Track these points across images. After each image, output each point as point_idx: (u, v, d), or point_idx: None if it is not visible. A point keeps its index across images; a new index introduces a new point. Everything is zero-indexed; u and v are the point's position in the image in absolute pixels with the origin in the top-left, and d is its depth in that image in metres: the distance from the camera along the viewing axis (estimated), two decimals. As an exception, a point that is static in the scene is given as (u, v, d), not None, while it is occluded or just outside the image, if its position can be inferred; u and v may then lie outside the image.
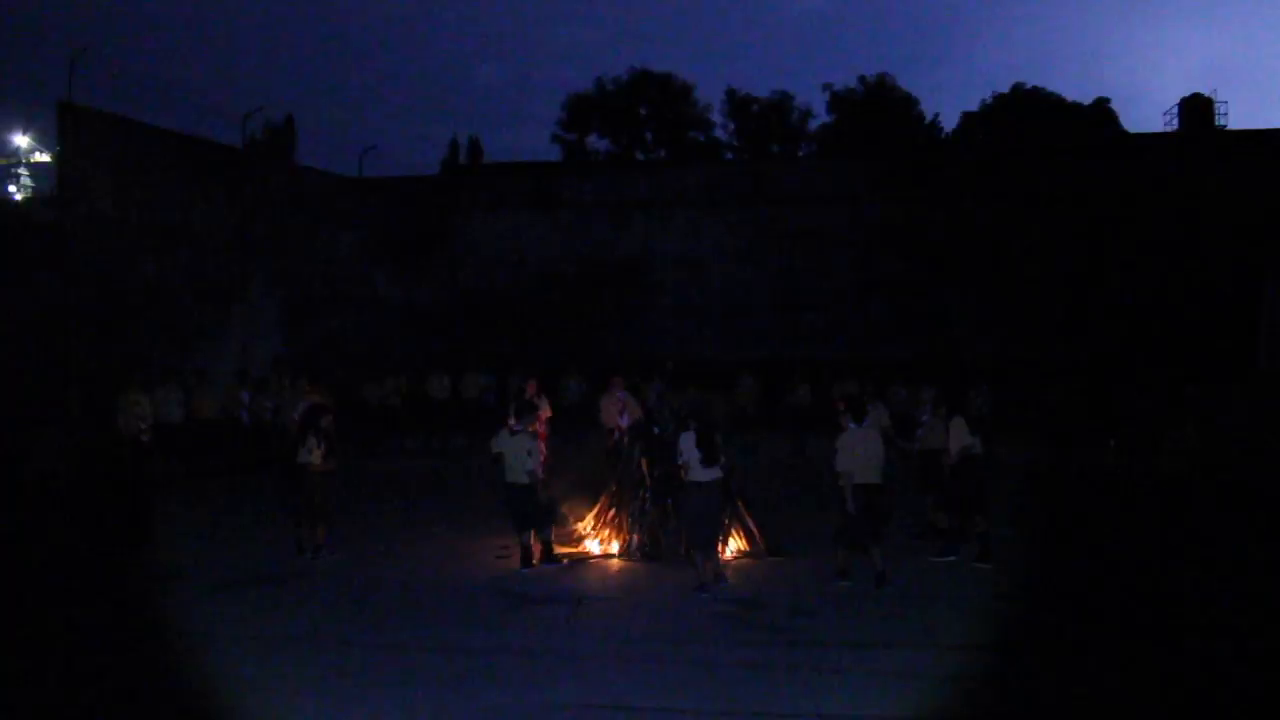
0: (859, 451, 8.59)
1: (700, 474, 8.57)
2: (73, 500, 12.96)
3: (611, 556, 9.96)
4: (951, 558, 9.57)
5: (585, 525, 10.50)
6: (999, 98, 38.84)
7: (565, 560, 9.70)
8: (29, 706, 6.20)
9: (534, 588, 8.82)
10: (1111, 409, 17.08)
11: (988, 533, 9.59)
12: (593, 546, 10.17)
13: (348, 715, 5.95)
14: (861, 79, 40.37)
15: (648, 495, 10.02)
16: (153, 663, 6.90)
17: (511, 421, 9.77)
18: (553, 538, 9.75)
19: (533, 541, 9.56)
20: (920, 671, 6.58)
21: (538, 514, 9.55)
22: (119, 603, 8.49)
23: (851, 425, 8.75)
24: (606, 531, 10.21)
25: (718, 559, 9.01)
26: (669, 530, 9.82)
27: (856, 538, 8.62)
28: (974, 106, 39.50)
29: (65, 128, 18.21)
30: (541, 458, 10.08)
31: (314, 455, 9.91)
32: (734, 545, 9.98)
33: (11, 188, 33.84)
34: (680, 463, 8.67)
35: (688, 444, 8.59)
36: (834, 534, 8.76)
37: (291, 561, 9.81)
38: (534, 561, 9.47)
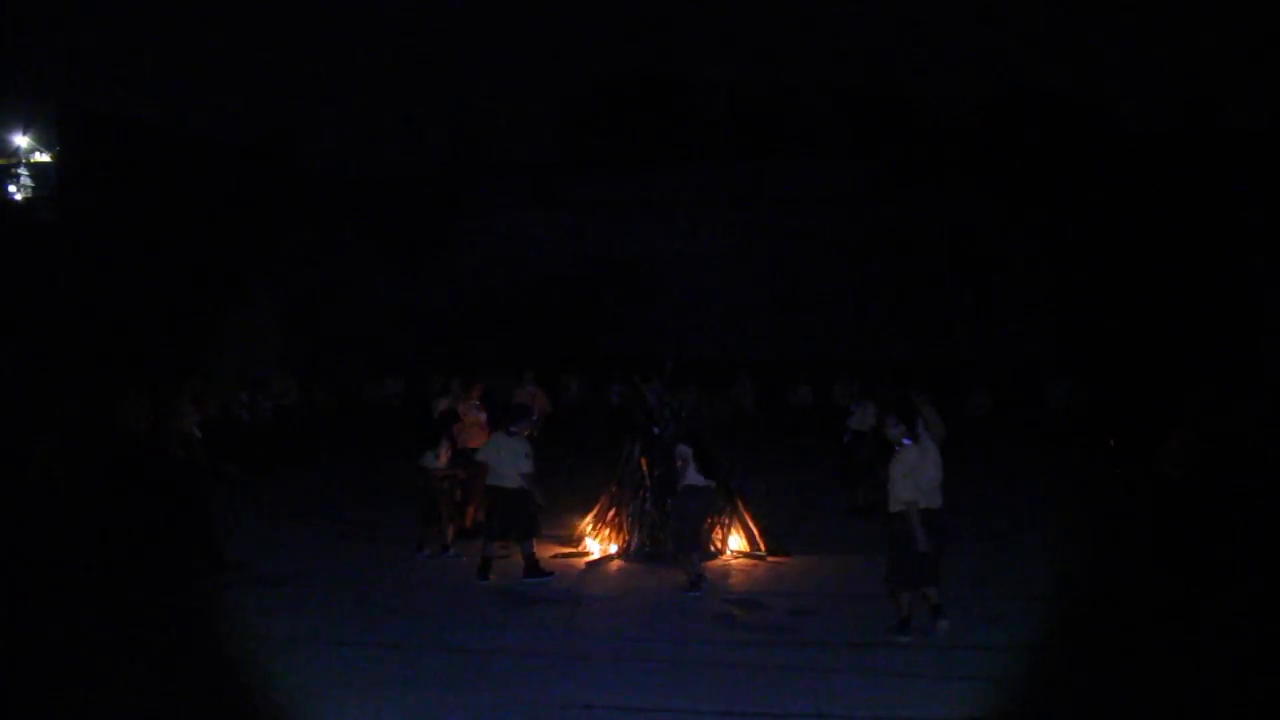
0: (924, 473, 7.20)
1: (697, 479, 8.77)
2: (73, 501, 12.95)
3: (611, 557, 9.96)
4: None
5: (585, 525, 10.49)
6: (998, 98, 38.78)
7: (554, 574, 9.17)
8: (29, 706, 6.20)
9: (534, 588, 8.82)
10: (1111, 409, 17.09)
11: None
12: (593, 546, 10.17)
13: (348, 715, 5.95)
14: (861, 78, 40.40)
15: (648, 495, 10.02)
16: (152, 663, 6.90)
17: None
18: (535, 550, 9.21)
19: (492, 552, 9.11)
20: (920, 671, 6.58)
21: (522, 523, 9.06)
22: (118, 604, 8.48)
23: (907, 441, 7.34)
24: (606, 531, 10.20)
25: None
26: (669, 530, 9.82)
27: (919, 577, 7.23)
28: (973, 106, 39.47)
29: (65, 128, 18.21)
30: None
31: (440, 459, 10.01)
32: (734, 545, 9.99)
33: (11, 188, 33.81)
34: (678, 467, 8.88)
35: (686, 454, 8.83)
36: (887, 576, 7.38)
37: (291, 562, 9.82)
38: (487, 574, 9.02)
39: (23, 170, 34.57)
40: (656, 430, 10.12)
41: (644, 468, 10.08)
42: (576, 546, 10.21)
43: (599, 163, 37.19)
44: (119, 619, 7.98)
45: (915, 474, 7.17)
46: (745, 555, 9.90)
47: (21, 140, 35.41)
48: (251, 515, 12.55)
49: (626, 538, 10.05)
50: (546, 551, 10.16)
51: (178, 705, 6.18)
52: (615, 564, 9.78)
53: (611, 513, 10.25)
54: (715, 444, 9.06)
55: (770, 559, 9.81)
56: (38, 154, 34.65)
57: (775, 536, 10.12)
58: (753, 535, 10.04)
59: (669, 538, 9.77)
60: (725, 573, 9.39)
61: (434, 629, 7.59)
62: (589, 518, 10.50)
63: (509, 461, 9.03)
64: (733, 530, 10.05)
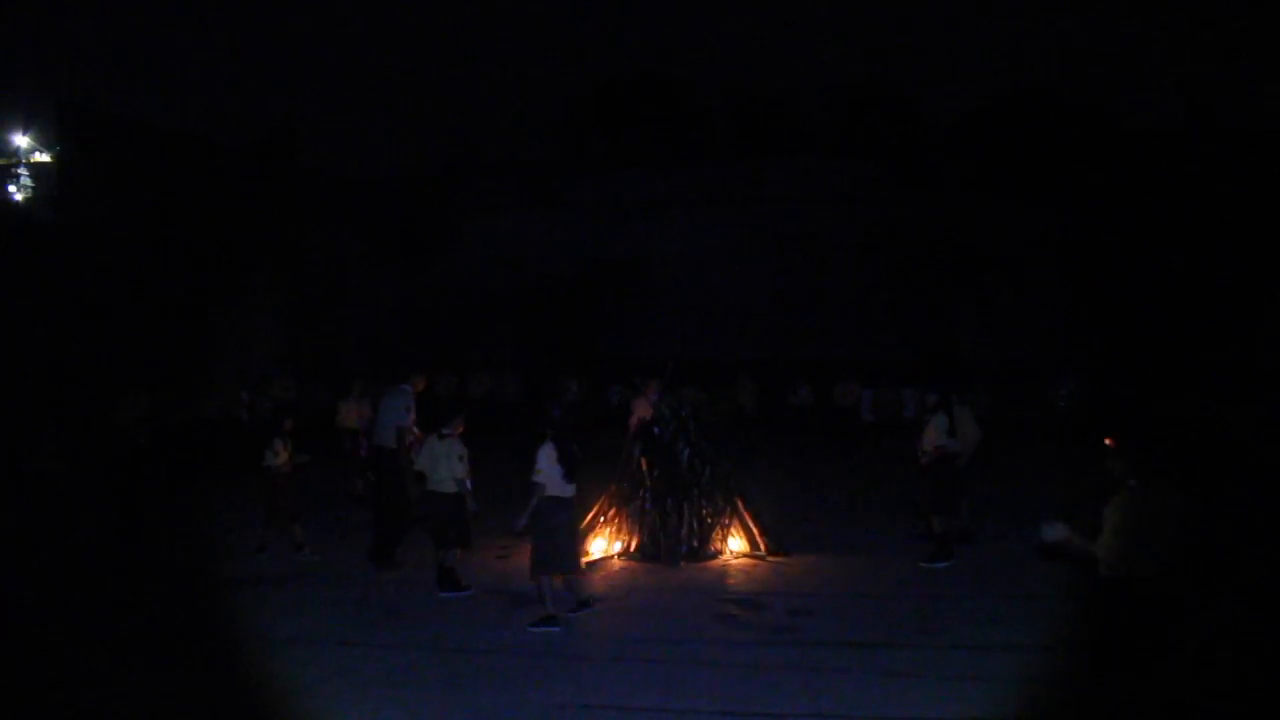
0: (1146, 528, 5.31)
1: (560, 489, 7.72)
2: (72, 500, 12.96)
3: (612, 557, 9.96)
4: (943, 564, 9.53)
5: (585, 525, 10.48)
6: (999, 98, 38.82)
7: (471, 589, 8.58)
8: (28, 706, 6.20)
9: (534, 588, 8.80)
10: (1110, 409, 17.09)
11: (946, 534, 9.63)
12: (593, 546, 10.17)
13: (348, 715, 5.95)
14: (861, 78, 40.45)
15: (648, 495, 10.02)
16: (151, 664, 6.90)
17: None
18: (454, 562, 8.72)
19: (449, 560, 8.68)
20: (921, 671, 6.58)
21: (457, 529, 8.59)
22: (118, 604, 8.49)
23: (1133, 484, 5.44)
24: (607, 531, 10.20)
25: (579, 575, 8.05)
26: (669, 530, 9.82)
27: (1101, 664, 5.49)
28: (973, 106, 39.53)
29: (65, 128, 18.21)
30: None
31: (279, 457, 10.09)
32: (734, 545, 9.99)
33: (11, 188, 33.81)
34: (535, 480, 7.66)
35: (547, 459, 7.65)
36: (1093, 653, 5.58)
37: (291, 562, 9.81)
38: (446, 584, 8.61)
39: (23, 170, 34.56)
40: (656, 430, 10.13)
41: (644, 468, 10.08)
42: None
43: (599, 163, 37.27)
44: (118, 619, 7.98)
45: (1133, 526, 5.30)
46: (745, 555, 9.90)
47: (21, 140, 35.39)
48: (252, 516, 12.56)
49: (626, 538, 10.05)
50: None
51: (177, 705, 6.18)
52: (615, 564, 9.78)
53: (611, 512, 10.25)
54: (577, 440, 7.96)
55: (770, 559, 9.81)
56: (38, 154, 34.63)
57: (775, 536, 10.12)
58: (753, 535, 10.04)
59: (669, 538, 9.76)
60: (725, 573, 9.39)
61: (434, 629, 7.59)
62: (589, 518, 10.49)
63: (444, 466, 8.55)
64: (733, 530, 10.05)
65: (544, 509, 7.68)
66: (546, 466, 7.65)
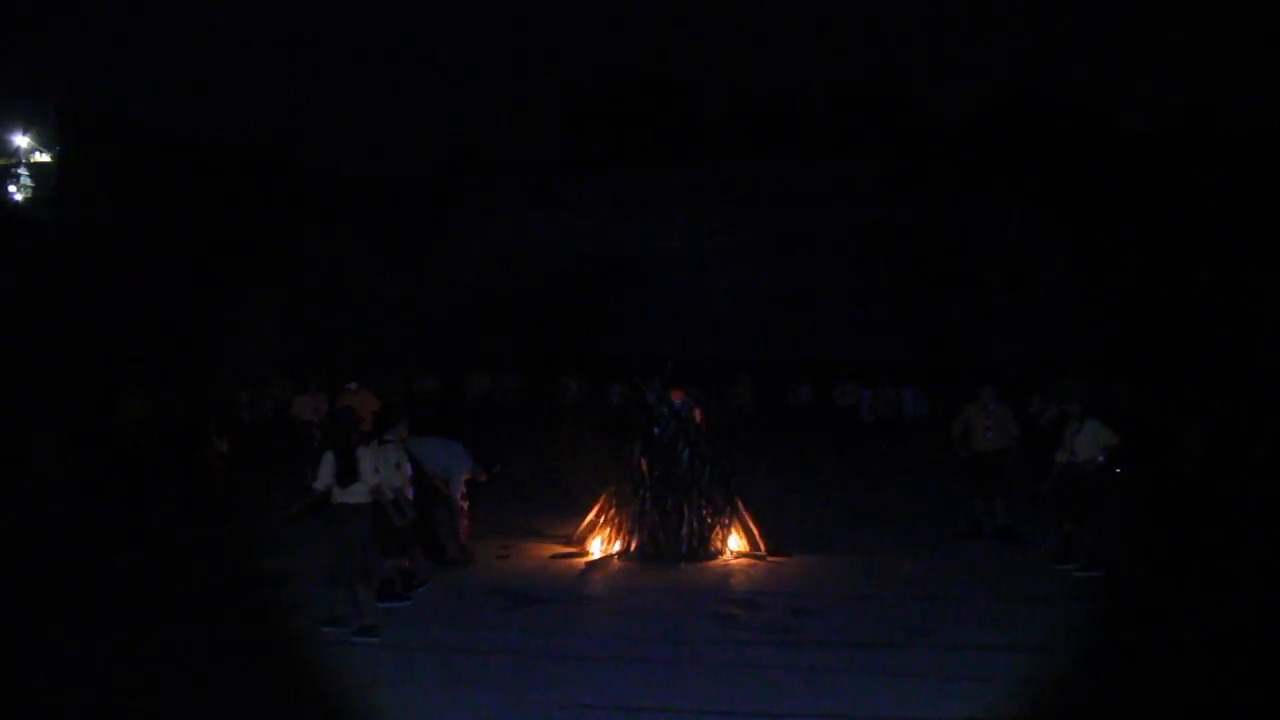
0: None
1: (341, 495, 7.34)
2: (72, 500, 12.95)
3: (611, 557, 9.96)
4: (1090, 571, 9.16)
5: (585, 525, 10.49)
6: (1000, 97, 38.82)
7: (411, 601, 8.18)
8: (26, 705, 6.20)
9: (534, 588, 8.82)
10: (1113, 408, 17.07)
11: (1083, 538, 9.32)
12: (593, 546, 10.17)
13: (348, 715, 5.95)
14: (861, 78, 40.41)
15: (648, 495, 10.02)
16: (151, 664, 6.90)
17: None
18: (391, 574, 8.15)
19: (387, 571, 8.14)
20: (921, 671, 6.57)
21: (392, 538, 7.96)
22: (117, 605, 8.48)
23: None
24: (607, 531, 10.21)
25: (368, 593, 7.40)
26: (669, 530, 9.82)
27: None
28: (973, 107, 39.51)
29: (65, 128, 18.22)
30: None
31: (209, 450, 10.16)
32: (734, 545, 10.00)
33: (11, 188, 33.81)
34: (318, 487, 7.38)
35: (326, 465, 7.32)
36: None
37: (291, 562, 9.80)
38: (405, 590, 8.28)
39: (23, 170, 34.55)
40: (656, 430, 10.13)
41: (644, 468, 10.08)
42: (577, 546, 10.21)
43: (599, 163, 37.24)
44: (118, 620, 7.98)
45: None
46: (745, 555, 9.90)
47: (21, 140, 35.37)
48: (252, 515, 12.55)
49: (626, 538, 10.04)
50: (546, 551, 10.18)
51: (177, 705, 6.18)
52: (615, 564, 9.78)
53: (611, 512, 10.25)
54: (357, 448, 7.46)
55: (770, 559, 9.81)
56: (38, 154, 34.62)
57: (775, 536, 10.12)
58: (753, 535, 10.05)
59: (669, 538, 9.75)
60: (725, 573, 9.39)
61: (434, 629, 7.59)
62: (589, 518, 10.49)
63: (383, 474, 7.95)
64: (733, 530, 10.06)
65: (331, 517, 7.39)
66: (325, 471, 7.34)
